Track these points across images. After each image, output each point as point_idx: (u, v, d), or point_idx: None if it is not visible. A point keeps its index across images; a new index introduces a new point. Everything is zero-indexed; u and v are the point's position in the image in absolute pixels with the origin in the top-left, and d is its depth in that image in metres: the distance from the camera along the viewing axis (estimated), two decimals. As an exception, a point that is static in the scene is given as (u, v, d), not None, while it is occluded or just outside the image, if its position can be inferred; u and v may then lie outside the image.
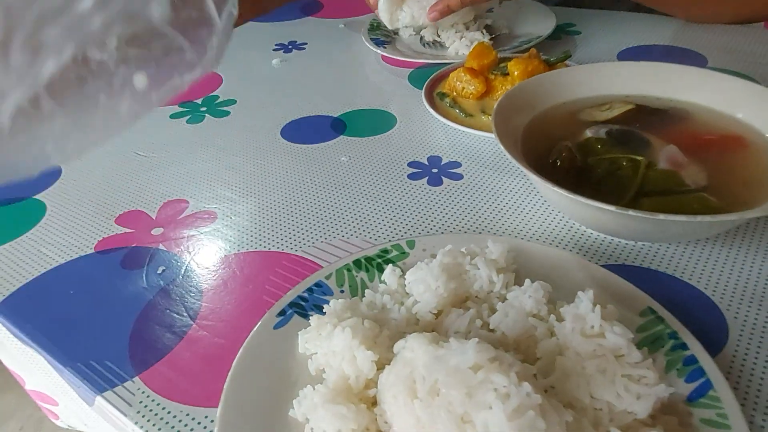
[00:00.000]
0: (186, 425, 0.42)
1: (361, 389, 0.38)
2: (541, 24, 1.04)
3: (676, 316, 0.45)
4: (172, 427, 0.42)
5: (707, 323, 0.47)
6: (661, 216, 0.44)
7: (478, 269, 0.45)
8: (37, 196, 0.71)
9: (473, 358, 0.29)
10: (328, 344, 0.40)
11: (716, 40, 0.97)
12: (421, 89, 0.83)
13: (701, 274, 0.52)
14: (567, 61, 0.82)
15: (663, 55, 0.96)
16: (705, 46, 0.95)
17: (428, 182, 0.69)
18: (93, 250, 0.61)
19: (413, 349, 0.33)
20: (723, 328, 0.47)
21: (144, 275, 0.57)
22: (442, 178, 0.69)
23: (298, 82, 0.98)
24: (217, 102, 0.94)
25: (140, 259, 0.59)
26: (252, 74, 1.03)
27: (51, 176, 0.74)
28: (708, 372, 0.39)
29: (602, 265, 0.54)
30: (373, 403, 0.38)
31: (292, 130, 0.83)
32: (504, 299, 0.44)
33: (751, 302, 0.49)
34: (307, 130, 0.83)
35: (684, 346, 0.41)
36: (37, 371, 0.57)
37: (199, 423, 0.42)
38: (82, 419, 0.62)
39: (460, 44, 1.01)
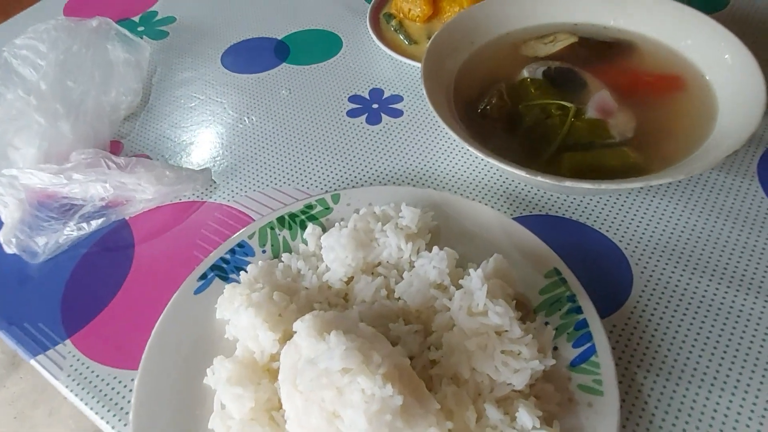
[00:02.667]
0: (113, 388, 0.45)
1: (267, 362, 0.41)
2: None
3: (586, 267, 0.47)
4: (100, 390, 0.45)
5: (614, 276, 0.49)
6: (567, 182, 0.44)
7: (388, 237, 0.46)
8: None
9: (340, 363, 0.31)
10: (237, 318, 0.42)
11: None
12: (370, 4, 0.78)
13: (618, 227, 0.53)
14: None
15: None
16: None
17: (367, 120, 0.67)
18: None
19: (301, 336, 0.35)
20: (628, 281, 0.49)
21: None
22: (382, 114, 0.68)
23: (243, -2, 0.92)
24: (155, 20, 0.88)
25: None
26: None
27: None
28: (595, 337, 0.41)
29: (526, 215, 0.55)
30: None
31: (233, 55, 0.79)
32: (413, 266, 0.45)
33: (659, 257, 0.50)
34: (249, 56, 0.79)
35: (578, 310, 0.43)
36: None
37: (125, 386, 0.45)
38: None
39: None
